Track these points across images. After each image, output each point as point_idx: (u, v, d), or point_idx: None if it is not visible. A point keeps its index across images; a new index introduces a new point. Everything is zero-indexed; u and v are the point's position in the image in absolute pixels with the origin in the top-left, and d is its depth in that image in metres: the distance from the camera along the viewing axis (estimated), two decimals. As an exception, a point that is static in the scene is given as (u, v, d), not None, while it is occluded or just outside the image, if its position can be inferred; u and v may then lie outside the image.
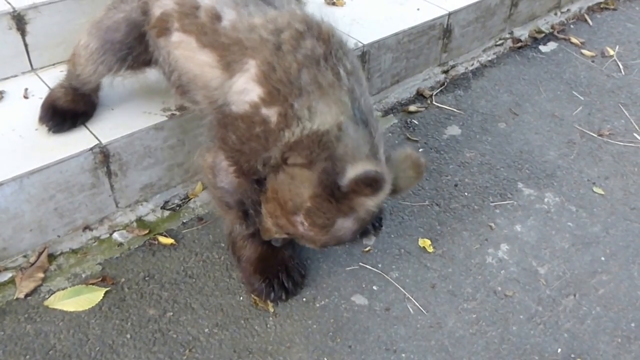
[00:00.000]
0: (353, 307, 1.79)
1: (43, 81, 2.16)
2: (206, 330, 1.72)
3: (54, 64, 2.25)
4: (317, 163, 1.50)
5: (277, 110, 1.53)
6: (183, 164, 2.14)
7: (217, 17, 1.66)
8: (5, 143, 1.88)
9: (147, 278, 1.85)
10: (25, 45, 2.19)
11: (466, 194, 2.20)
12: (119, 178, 2.00)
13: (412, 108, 2.60)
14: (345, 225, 1.53)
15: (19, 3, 2.12)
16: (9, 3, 2.11)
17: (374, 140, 1.54)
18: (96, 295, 1.81)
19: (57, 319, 1.71)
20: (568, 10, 3.31)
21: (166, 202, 2.13)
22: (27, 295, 1.78)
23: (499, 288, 1.86)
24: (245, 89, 1.58)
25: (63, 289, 1.81)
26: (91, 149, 1.89)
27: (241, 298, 1.81)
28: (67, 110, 1.95)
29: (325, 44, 1.56)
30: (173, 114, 2.05)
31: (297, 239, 1.65)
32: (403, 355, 1.67)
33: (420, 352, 1.68)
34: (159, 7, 1.76)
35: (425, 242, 2.00)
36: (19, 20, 2.13)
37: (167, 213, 2.08)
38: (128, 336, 1.69)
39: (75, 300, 1.80)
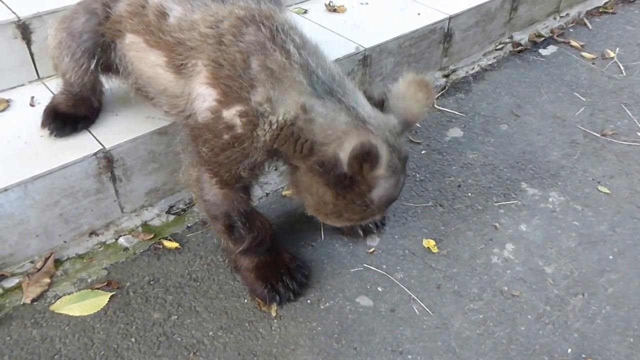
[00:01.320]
0: (358, 308, 1.72)
1: (49, 90, 2.12)
2: (210, 333, 1.65)
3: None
4: (308, 158, 1.43)
5: (237, 111, 1.44)
6: (187, 169, 2.08)
7: (162, 14, 1.58)
8: (10, 150, 1.84)
9: (152, 282, 1.79)
10: (31, 55, 2.15)
11: (470, 194, 2.13)
12: (123, 183, 1.95)
13: (414, 111, 2.53)
14: (383, 191, 1.45)
15: (24, 12, 2.08)
16: (14, 13, 2.07)
17: (347, 103, 1.43)
18: (101, 299, 1.76)
19: (63, 323, 1.66)
20: (567, 14, 3.25)
21: (171, 207, 2.07)
22: (33, 301, 1.73)
23: (506, 288, 1.79)
24: (202, 95, 1.51)
25: (69, 294, 1.76)
26: (95, 154, 1.85)
27: (245, 301, 1.74)
28: (68, 115, 1.91)
29: (269, 23, 1.46)
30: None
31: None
32: (409, 356, 1.60)
33: (427, 354, 1.60)
34: (115, 8, 1.70)
35: (429, 243, 1.92)
36: (24, 30, 2.09)
37: (172, 217, 2.03)
38: (133, 340, 1.63)
39: (81, 304, 1.75)
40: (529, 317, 1.71)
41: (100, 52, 1.77)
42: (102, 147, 1.86)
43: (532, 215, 2.04)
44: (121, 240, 1.94)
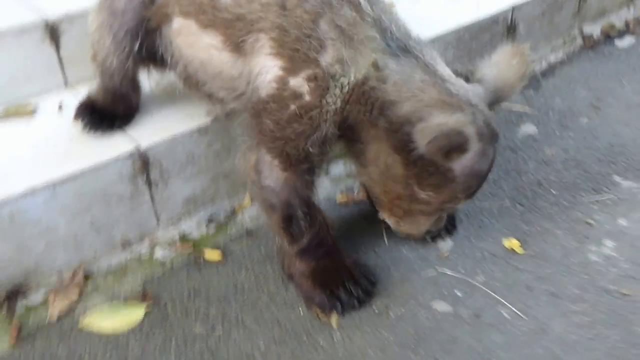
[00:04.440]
0: (435, 315, 1.55)
1: (78, 96, 2.05)
2: (262, 347, 1.51)
3: (89, 80, 2.15)
4: (379, 122, 1.31)
5: (305, 76, 1.37)
6: (230, 175, 1.97)
7: None
8: (37, 153, 1.77)
9: (192, 295, 1.67)
10: (60, 59, 2.10)
11: (553, 191, 1.96)
12: (159, 188, 1.85)
13: (478, 110, 2.39)
14: (468, 161, 1.32)
15: (52, 13, 2.04)
16: (42, 12, 2.04)
17: (424, 60, 1.35)
18: (136, 314, 1.64)
19: (93, 339, 1.54)
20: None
21: (211, 217, 1.95)
22: (60, 316, 1.62)
23: (612, 287, 1.59)
24: (265, 67, 1.44)
25: (100, 309, 1.63)
26: (129, 154, 1.75)
27: (301, 311, 1.60)
28: (105, 110, 1.84)
29: None
30: (218, 116, 1.89)
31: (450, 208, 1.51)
32: (503, 365, 1.40)
33: (525, 362, 1.41)
34: None
35: (512, 243, 1.75)
36: (53, 32, 2.06)
37: (212, 228, 1.90)
38: (172, 357, 1.50)
39: (113, 319, 1.63)
40: (646, 317, 1.50)
41: (144, 35, 1.71)
42: (137, 147, 1.77)
43: (632, 209, 1.86)
44: (157, 252, 1.83)
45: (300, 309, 1.60)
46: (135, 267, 1.78)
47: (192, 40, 1.60)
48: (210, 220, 1.96)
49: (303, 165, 1.47)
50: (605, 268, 1.66)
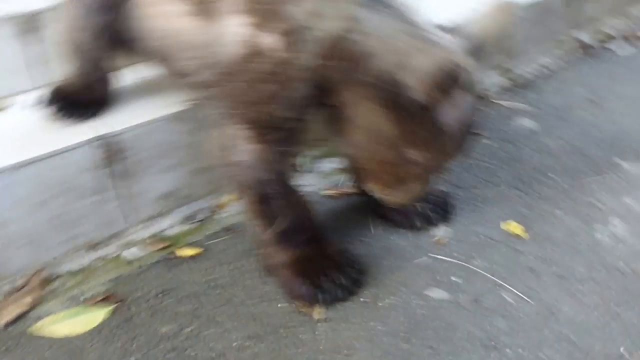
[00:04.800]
0: (429, 302, 1.38)
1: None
2: (235, 344, 1.33)
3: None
4: (361, 78, 1.18)
5: (279, 30, 1.23)
6: (208, 169, 1.80)
7: None
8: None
9: (160, 294, 1.50)
10: (33, 56, 1.95)
11: (552, 175, 1.82)
12: (129, 182, 1.68)
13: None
14: (459, 111, 1.19)
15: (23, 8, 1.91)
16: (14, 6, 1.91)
17: (405, 14, 1.22)
18: (96, 316, 1.46)
19: (44, 346, 1.36)
20: (635, 15, 3.01)
21: (188, 216, 1.78)
22: (8, 324, 1.43)
23: (622, 264, 1.44)
24: (236, 27, 1.30)
25: (56, 313, 1.46)
26: (94, 140, 1.59)
27: (280, 305, 1.42)
28: (76, 98, 1.70)
29: None
30: (194, 104, 1.73)
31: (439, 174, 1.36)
32: (508, 350, 1.23)
33: (533, 346, 1.24)
34: None
35: (511, 226, 1.60)
36: (26, 28, 1.92)
37: (188, 227, 1.74)
38: (133, 359, 1.29)
39: (69, 323, 1.45)
40: (663, 293, 1.34)
41: (110, 10, 1.59)
42: (102, 134, 1.61)
43: (637, 188, 1.71)
44: (126, 253, 1.66)
45: (279, 303, 1.43)
46: (101, 267, 1.61)
47: (159, 10, 1.49)
48: (187, 219, 1.79)
49: (276, 134, 1.33)
50: (614, 246, 1.50)
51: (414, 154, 1.22)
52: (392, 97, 1.16)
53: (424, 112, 1.16)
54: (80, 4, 1.60)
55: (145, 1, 1.52)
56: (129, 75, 1.89)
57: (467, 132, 1.24)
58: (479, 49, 1.27)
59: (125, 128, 1.64)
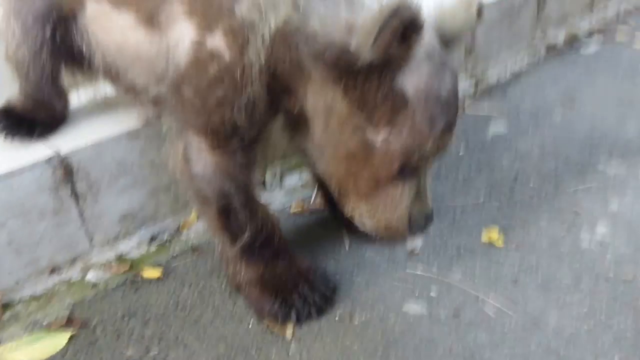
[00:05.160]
0: (407, 318, 1.30)
1: None
2: (202, 367, 1.22)
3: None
4: (308, 62, 1.09)
5: (221, 31, 1.17)
6: (171, 188, 1.72)
7: None
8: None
9: (126, 317, 1.40)
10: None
11: (531, 184, 1.75)
12: (88, 203, 1.59)
13: (442, 116, 2.19)
14: (420, 79, 1.06)
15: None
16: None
17: None
18: (59, 340, 1.37)
19: (0, 375, 1.24)
20: (603, 12, 3.00)
21: (153, 236, 1.69)
22: (-39, 353, 1.32)
23: (611, 274, 1.36)
24: (181, 34, 1.24)
25: (16, 339, 1.37)
26: (48, 160, 1.50)
27: (250, 325, 1.33)
28: (24, 117, 1.61)
29: None
30: (150, 120, 1.66)
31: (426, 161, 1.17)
32: (491, 366, 1.14)
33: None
34: None
35: (491, 236, 1.53)
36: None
37: (154, 247, 1.64)
38: (94, 385, 1.20)
39: (32, 349, 1.35)
40: (655, 302, 1.27)
41: (57, 22, 1.50)
42: (57, 152, 1.52)
43: (622, 193, 1.65)
44: (89, 275, 1.56)
45: (249, 322, 1.33)
46: (64, 291, 1.51)
47: (107, 25, 1.42)
48: (152, 239, 1.69)
49: (233, 143, 1.25)
50: (601, 254, 1.43)
51: (378, 134, 1.09)
52: (341, 67, 1.05)
53: (378, 76, 1.05)
54: (19, 19, 1.51)
55: (92, 15, 1.45)
56: (82, 92, 1.81)
57: (444, 110, 1.09)
58: (446, 44, 1.20)
59: (79, 148, 1.56)
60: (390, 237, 1.25)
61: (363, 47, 1.00)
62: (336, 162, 1.18)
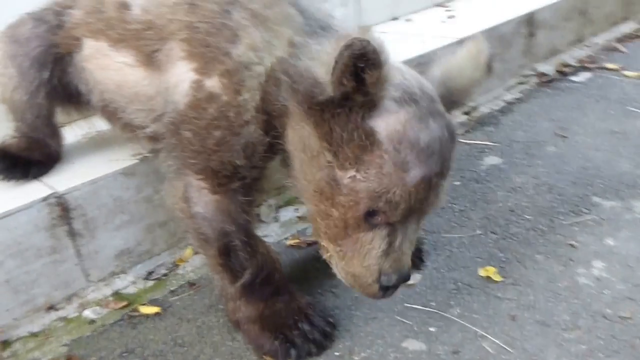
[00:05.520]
0: (407, 354, 1.29)
1: None
2: (203, 407, 1.20)
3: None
4: (294, 100, 1.08)
5: (217, 72, 1.18)
6: (167, 224, 1.71)
7: (124, 5, 1.38)
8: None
9: (125, 354, 1.39)
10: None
11: (527, 217, 1.75)
12: (85, 240, 1.59)
13: (436, 147, 2.20)
14: (395, 123, 1.02)
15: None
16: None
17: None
18: (56, 380, 1.33)
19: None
20: (593, 43, 3.04)
21: (150, 272, 1.68)
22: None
23: (609, 311, 1.35)
24: (180, 76, 1.25)
25: (14, 380, 1.33)
26: (45, 200, 1.49)
27: (250, 363, 1.31)
28: (19, 157, 1.62)
29: None
30: (145, 157, 1.66)
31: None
32: (493, 406, 1.13)
33: (518, 400, 1.14)
34: (69, 15, 1.51)
35: (488, 271, 1.52)
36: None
37: (150, 283, 1.63)
38: None
39: (27, 390, 1.31)
40: (653, 341, 1.26)
41: (54, 64, 1.52)
42: (54, 192, 1.52)
43: (618, 228, 1.65)
44: (86, 312, 1.54)
45: (248, 359, 1.32)
46: (61, 328, 1.50)
47: (105, 63, 1.44)
48: (148, 275, 1.68)
49: (233, 183, 1.25)
50: (598, 291, 1.42)
51: (345, 172, 1.04)
52: (311, 101, 1.03)
53: (347, 113, 1.01)
54: (15, 63, 1.53)
55: (90, 54, 1.47)
56: (76, 131, 1.82)
57: (424, 158, 1.02)
58: (453, 100, 1.20)
59: (75, 187, 1.56)
60: (360, 289, 1.16)
61: (325, 81, 1.00)
62: (309, 198, 1.15)
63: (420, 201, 1.06)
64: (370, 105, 1.02)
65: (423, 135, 1.03)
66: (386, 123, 1.03)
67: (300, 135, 1.11)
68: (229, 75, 1.17)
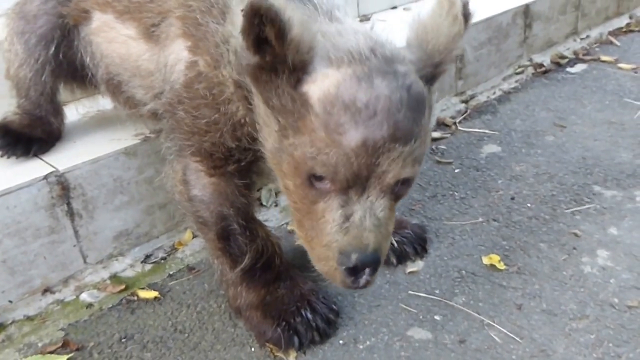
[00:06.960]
0: (412, 343, 1.23)
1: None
2: (204, 394, 1.14)
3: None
4: None
5: (205, 51, 1.14)
6: (167, 205, 1.64)
7: None
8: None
9: (123, 339, 1.32)
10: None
11: (529, 205, 1.69)
12: (84, 221, 1.51)
13: (435, 135, 2.15)
14: (328, 85, 0.93)
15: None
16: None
17: (325, 10, 1.06)
18: (54, 364, 1.26)
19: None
20: (587, 36, 3.00)
21: (147, 256, 1.61)
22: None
23: (616, 300, 1.31)
24: (178, 55, 1.20)
25: (10, 364, 1.26)
26: (45, 177, 1.42)
27: (252, 349, 1.25)
28: (21, 134, 1.54)
29: None
30: (147, 137, 1.59)
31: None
32: (502, 397, 1.08)
33: (528, 390, 1.09)
34: None
35: (492, 259, 1.47)
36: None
37: (149, 267, 1.56)
38: (91, 414, 1.11)
39: (26, 375, 1.25)
40: (661, 331, 1.21)
41: (60, 39, 1.46)
42: (54, 170, 1.45)
43: (620, 217, 1.60)
44: (84, 295, 1.47)
45: (251, 347, 1.26)
46: (58, 311, 1.42)
47: (111, 35, 1.39)
48: (147, 258, 1.61)
49: (229, 166, 1.20)
50: (604, 280, 1.38)
51: (288, 143, 0.97)
52: (246, 68, 0.98)
53: (276, 76, 0.95)
54: (22, 40, 1.47)
55: (98, 26, 1.41)
56: (78, 109, 1.75)
57: (366, 113, 0.91)
58: (433, 63, 1.07)
59: (76, 165, 1.49)
60: (327, 276, 1.04)
61: (244, 47, 0.94)
62: (275, 171, 1.07)
63: (368, 167, 0.94)
64: (300, 68, 0.93)
65: (361, 95, 0.92)
66: (319, 87, 0.93)
67: (256, 105, 1.05)
68: (212, 53, 1.12)
